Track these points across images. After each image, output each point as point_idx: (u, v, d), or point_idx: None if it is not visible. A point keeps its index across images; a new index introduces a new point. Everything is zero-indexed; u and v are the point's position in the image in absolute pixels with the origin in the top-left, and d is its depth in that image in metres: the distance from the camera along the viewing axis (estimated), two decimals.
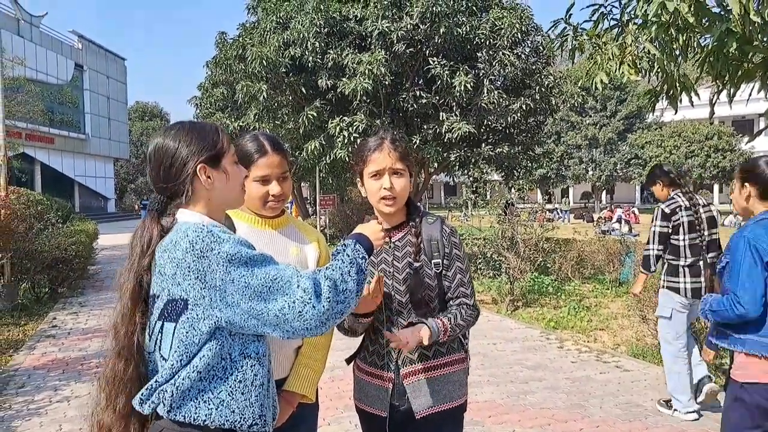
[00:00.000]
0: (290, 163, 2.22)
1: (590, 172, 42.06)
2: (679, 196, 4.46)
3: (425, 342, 1.96)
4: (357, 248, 1.65)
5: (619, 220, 25.00)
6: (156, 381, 1.52)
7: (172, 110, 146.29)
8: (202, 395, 1.50)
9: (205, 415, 1.49)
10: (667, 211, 4.41)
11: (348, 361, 2.24)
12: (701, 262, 4.35)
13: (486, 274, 9.93)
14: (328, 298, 1.48)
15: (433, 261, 2.12)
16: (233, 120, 15.64)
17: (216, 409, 1.50)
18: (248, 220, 2.12)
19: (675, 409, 4.45)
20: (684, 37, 3.87)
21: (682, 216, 4.37)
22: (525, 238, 9.22)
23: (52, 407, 4.83)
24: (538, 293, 9.42)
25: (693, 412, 4.38)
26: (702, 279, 4.32)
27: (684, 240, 4.36)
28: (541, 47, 13.42)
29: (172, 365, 1.50)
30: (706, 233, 4.39)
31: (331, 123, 11.74)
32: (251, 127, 13.47)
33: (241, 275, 1.46)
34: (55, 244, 9.54)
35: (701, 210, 4.41)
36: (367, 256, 1.66)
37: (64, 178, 39.44)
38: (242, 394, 1.53)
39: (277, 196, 2.08)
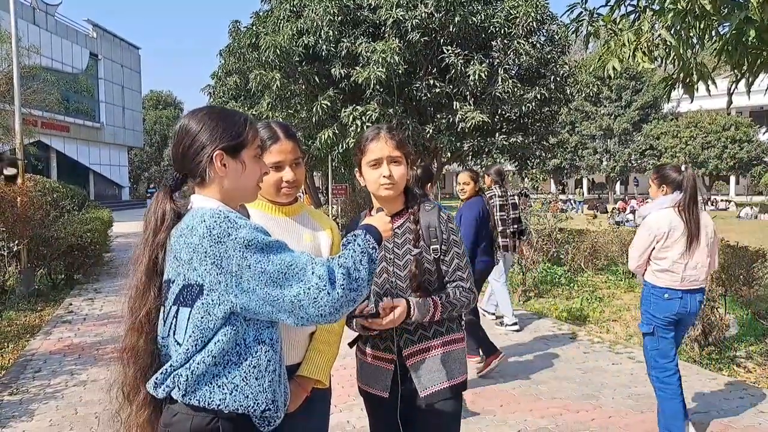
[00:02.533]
0: (303, 151, 2.23)
1: (604, 163, 41.71)
2: (496, 189, 6.57)
3: (397, 315, 2.02)
4: (367, 238, 1.66)
5: (633, 211, 24.80)
6: (171, 365, 1.53)
7: (186, 99, 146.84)
8: (217, 380, 1.51)
9: (219, 400, 1.51)
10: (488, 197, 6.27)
11: (351, 344, 2.29)
12: (508, 230, 6.55)
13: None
14: (342, 285, 1.49)
15: (431, 247, 2.18)
16: (246, 109, 15.68)
17: (230, 394, 1.51)
18: (262, 207, 2.13)
19: (506, 324, 6.77)
20: (701, 25, 3.82)
21: (495, 201, 6.47)
22: (538, 229, 9.18)
23: (68, 391, 4.90)
24: (551, 284, 9.38)
25: (515, 324, 6.76)
26: (507, 239, 6.53)
27: (497, 216, 6.37)
28: (556, 36, 13.30)
29: (187, 350, 1.51)
30: (511, 212, 6.59)
31: (344, 112, 11.72)
32: (264, 116, 13.48)
33: (257, 261, 1.46)
34: (71, 231, 9.63)
35: (509, 198, 6.60)
36: (377, 246, 1.68)
37: (79, 166, 39.78)
38: (256, 379, 1.54)
39: (290, 182, 2.09)
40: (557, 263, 10.20)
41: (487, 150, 13.49)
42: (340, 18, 11.76)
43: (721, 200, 37.87)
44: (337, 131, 12.29)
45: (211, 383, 1.51)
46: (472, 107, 11.68)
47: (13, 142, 13.19)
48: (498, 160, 15.18)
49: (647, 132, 39.86)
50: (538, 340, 6.44)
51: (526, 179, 15.19)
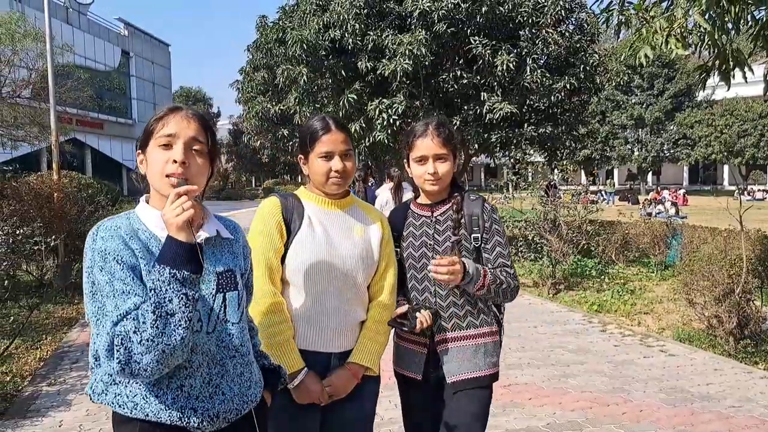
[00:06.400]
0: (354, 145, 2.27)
1: (636, 153, 40.94)
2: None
3: (456, 274, 2.05)
4: (160, 287, 1.35)
5: (663, 202, 24.33)
6: None
7: (215, 94, 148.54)
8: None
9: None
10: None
11: (390, 324, 2.31)
12: None
13: (527, 257, 9.82)
14: (119, 360, 1.36)
15: (472, 236, 2.24)
16: (274, 104, 15.76)
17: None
18: (316, 200, 2.17)
19: None
20: (737, 10, 3.72)
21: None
22: (568, 221, 9.07)
23: None
24: (581, 276, 9.27)
25: None
26: None
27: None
28: (585, 24, 13.07)
29: None
30: None
31: (371, 105, 11.71)
32: (292, 111, 13.53)
33: (88, 285, 1.46)
34: None
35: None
36: (174, 274, 1.34)
37: (113, 162, 40.62)
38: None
39: (340, 172, 2.09)
40: (588, 255, 10.07)
41: (515, 141, 13.34)
42: (366, 11, 11.72)
43: (758, 190, 36.88)
44: (363, 125, 12.29)
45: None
46: (499, 98, 11.56)
47: (49, 139, 13.50)
48: (527, 152, 15.02)
49: (680, 121, 38.99)
50: (568, 333, 6.38)
51: (555, 170, 14.98)
